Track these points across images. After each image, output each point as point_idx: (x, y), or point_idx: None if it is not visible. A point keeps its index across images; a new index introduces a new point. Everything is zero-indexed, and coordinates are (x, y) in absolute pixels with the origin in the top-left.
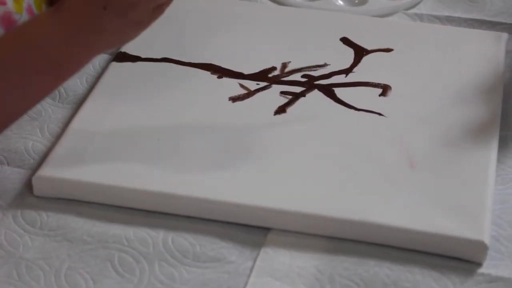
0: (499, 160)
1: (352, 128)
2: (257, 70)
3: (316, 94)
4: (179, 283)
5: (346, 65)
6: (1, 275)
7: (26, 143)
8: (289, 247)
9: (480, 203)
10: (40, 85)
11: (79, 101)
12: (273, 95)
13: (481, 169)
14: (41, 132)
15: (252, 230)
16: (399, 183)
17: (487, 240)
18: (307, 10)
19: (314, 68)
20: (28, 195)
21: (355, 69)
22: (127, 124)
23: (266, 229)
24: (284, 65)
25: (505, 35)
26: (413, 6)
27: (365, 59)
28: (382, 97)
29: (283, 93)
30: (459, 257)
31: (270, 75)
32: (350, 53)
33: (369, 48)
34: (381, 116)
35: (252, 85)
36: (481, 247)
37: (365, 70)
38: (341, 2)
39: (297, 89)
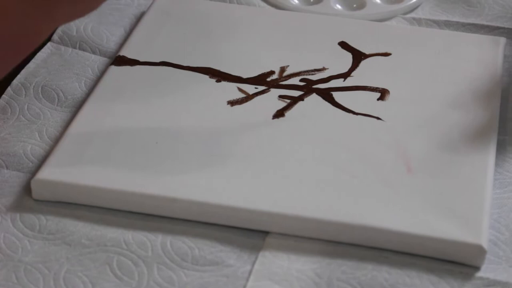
0: (496, 164)
1: (351, 132)
2: (255, 74)
3: (314, 98)
4: (178, 287)
5: (344, 69)
6: (0, 278)
7: (24, 146)
8: (287, 251)
9: (478, 207)
10: None
11: (78, 104)
12: (272, 99)
13: (479, 173)
14: (39, 136)
15: (251, 234)
16: (397, 187)
17: (485, 244)
18: (306, 14)
19: (313, 72)
20: (26, 198)
21: (353, 73)
22: (125, 128)
23: (265, 233)
24: (283, 69)
25: (503, 40)
26: (411, 11)
27: (363, 63)
28: (380, 101)
29: (281, 97)
30: (457, 261)
31: (268, 79)
32: (348, 57)
33: (367, 52)
34: (379, 120)
35: (250, 89)
36: (479, 251)
37: (363, 74)
38: (339, 7)
39: (296, 93)
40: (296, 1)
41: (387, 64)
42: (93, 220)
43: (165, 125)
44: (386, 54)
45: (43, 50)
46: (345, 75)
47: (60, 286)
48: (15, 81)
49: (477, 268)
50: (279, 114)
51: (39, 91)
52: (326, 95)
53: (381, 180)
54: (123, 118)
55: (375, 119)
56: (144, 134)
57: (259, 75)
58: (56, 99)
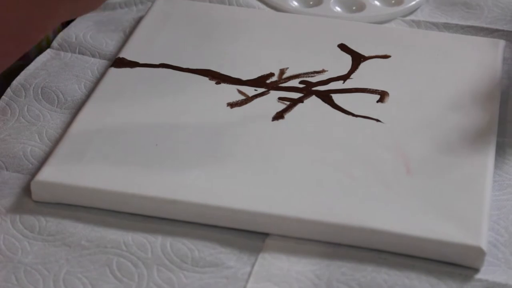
0: (496, 166)
1: (350, 134)
2: (255, 76)
3: (314, 100)
4: None
5: (344, 71)
6: (0, 280)
7: (24, 148)
8: (287, 253)
9: (477, 209)
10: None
11: (78, 106)
12: (271, 101)
13: (478, 175)
14: (39, 137)
15: (250, 236)
16: (396, 189)
17: (484, 246)
18: (305, 17)
19: (312, 74)
20: (26, 200)
21: (352, 76)
22: (125, 130)
23: (264, 235)
24: (282, 71)
25: (502, 42)
26: (411, 13)
27: (363, 65)
28: (379, 104)
29: (281, 99)
30: (456, 263)
31: (268, 81)
32: (347, 59)
33: (366, 55)
34: (378, 122)
35: (250, 91)
36: (478, 253)
37: (363, 77)
38: (338, 9)
39: (295, 95)
40: (296, 4)
41: (386, 66)
42: (93, 222)
43: (164, 127)
44: (386, 57)
45: (42, 55)
46: (344, 77)
47: (60, 287)
48: (14, 83)
49: (476, 270)
50: (279, 116)
51: (39, 92)
52: (326, 97)
53: (380, 182)
54: (123, 119)
55: (374, 121)
56: (144, 136)
57: (259, 77)
58: (56, 101)
